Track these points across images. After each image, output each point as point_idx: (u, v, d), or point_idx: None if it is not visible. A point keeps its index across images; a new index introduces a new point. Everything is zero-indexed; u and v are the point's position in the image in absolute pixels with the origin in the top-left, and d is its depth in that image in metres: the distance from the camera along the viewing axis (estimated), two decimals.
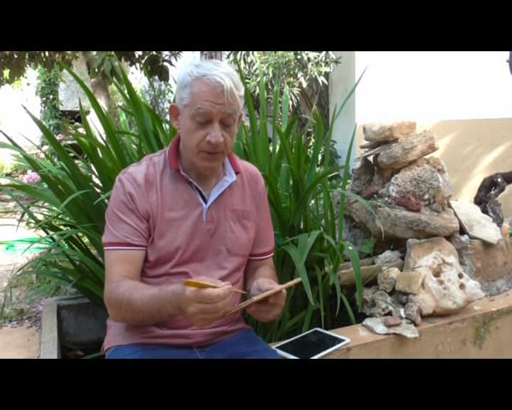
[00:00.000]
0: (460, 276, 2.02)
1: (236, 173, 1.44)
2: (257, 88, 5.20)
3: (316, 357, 1.62)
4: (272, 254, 1.59)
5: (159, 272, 1.37)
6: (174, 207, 1.37)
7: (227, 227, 1.42)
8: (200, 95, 1.27)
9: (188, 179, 1.38)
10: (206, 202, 1.39)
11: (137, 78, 9.27)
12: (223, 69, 1.29)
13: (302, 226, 2.11)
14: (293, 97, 5.36)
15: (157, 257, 1.35)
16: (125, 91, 2.11)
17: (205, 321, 1.12)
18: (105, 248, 1.35)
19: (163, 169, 1.39)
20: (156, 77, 5.58)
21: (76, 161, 2.20)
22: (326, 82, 5.48)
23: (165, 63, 5.50)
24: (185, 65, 1.34)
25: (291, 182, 2.16)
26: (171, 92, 8.66)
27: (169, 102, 8.80)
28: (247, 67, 5.54)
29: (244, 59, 5.54)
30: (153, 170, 1.39)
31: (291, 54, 5.28)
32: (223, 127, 1.30)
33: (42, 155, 5.59)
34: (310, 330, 1.82)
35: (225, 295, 1.10)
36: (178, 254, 1.36)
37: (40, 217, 2.34)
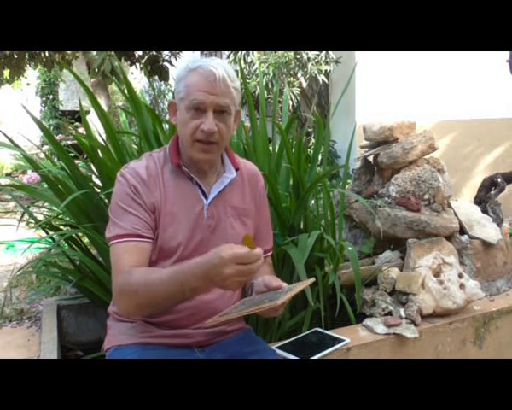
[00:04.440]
0: (460, 276, 2.02)
1: (236, 170, 1.44)
2: (257, 88, 5.19)
3: (316, 357, 1.62)
4: (271, 253, 1.59)
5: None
6: (176, 203, 1.36)
7: (227, 224, 1.42)
8: (193, 86, 1.30)
9: (189, 175, 1.38)
10: (206, 198, 1.40)
11: (137, 78, 9.27)
12: (217, 61, 1.33)
13: (302, 226, 2.11)
14: (293, 97, 5.35)
15: (159, 252, 1.34)
16: (125, 91, 2.11)
17: (239, 283, 1.12)
18: (111, 242, 1.30)
19: (163, 165, 1.39)
20: (156, 77, 5.58)
21: (76, 161, 2.20)
22: (326, 81, 5.47)
23: (165, 63, 5.51)
24: (183, 63, 1.37)
25: (291, 182, 2.16)
26: (171, 92, 8.66)
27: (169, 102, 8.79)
28: (247, 67, 5.53)
29: (244, 59, 5.53)
30: (153, 165, 1.38)
31: (291, 54, 5.27)
32: (217, 117, 1.31)
33: (42, 155, 5.59)
34: (310, 331, 1.82)
35: (259, 257, 1.10)
36: (180, 249, 1.35)
37: (40, 217, 2.34)
